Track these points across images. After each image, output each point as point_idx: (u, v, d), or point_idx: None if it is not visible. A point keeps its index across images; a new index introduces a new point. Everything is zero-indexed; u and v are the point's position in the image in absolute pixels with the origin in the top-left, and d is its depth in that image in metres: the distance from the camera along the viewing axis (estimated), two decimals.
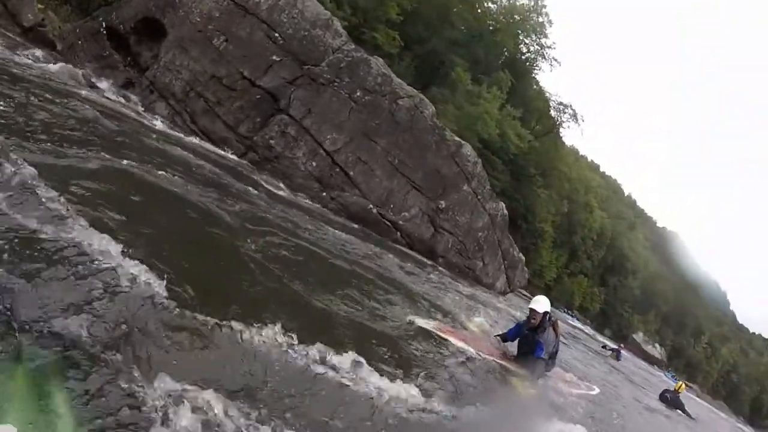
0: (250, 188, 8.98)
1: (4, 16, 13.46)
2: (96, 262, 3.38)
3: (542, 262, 45.70)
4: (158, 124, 11.07)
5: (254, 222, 6.62)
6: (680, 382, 19.12)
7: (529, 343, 6.59)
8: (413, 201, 12.83)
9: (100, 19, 14.02)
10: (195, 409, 2.69)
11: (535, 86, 35.20)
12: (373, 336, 5.04)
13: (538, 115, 34.65)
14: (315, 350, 3.91)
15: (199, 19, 13.15)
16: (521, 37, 32.66)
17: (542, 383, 6.77)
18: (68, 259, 3.28)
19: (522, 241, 40.48)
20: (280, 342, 3.75)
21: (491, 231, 14.95)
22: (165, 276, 3.57)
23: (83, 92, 9.85)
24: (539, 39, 32.83)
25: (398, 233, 12.55)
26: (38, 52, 11.94)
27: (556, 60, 33.45)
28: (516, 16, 31.49)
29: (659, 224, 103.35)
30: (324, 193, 11.77)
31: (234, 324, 3.58)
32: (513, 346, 7.10)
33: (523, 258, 18.05)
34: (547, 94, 35.26)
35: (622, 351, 24.82)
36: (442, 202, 13.26)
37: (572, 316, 49.94)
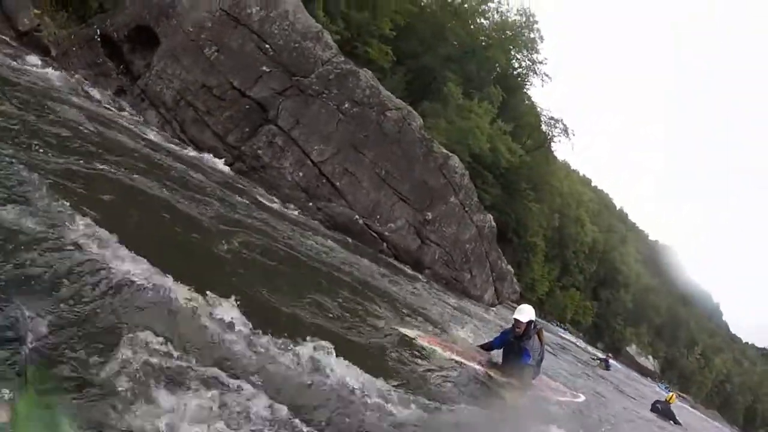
0: (236, 196, 8.92)
1: (0, 19, 13.46)
2: (102, 272, 3.39)
3: (534, 276, 45.62)
4: (147, 131, 10.99)
5: (233, 226, 6.57)
6: (671, 393, 18.99)
7: (515, 351, 6.58)
8: (400, 212, 12.78)
9: (95, 26, 14.07)
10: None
11: (526, 101, 35.37)
12: (353, 344, 4.97)
13: (529, 129, 34.79)
14: (291, 355, 3.86)
15: (191, 29, 13.18)
16: (513, 53, 32.84)
17: (528, 389, 6.71)
18: (73, 270, 3.28)
19: (513, 255, 40.47)
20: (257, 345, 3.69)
21: (479, 243, 14.89)
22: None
23: (75, 99, 9.86)
24: (531, 55, 33.08)
25: (384, 244, 12.48)
26: (33, 58, 11.96)
27: (547, 75, 33.82)
28: (508, 32, 31.66)
29: (651, 237, 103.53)
30: (310, 204, 11.70)
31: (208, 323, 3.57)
32: (498, 355, 7.05)
33: (512, 270, 17.99)
34: (539, 109, 35.48)
35: (611, 360, 24.62)
36: (429, 213, 13.21)
37: (564, 329, 49.74)
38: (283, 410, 3.08)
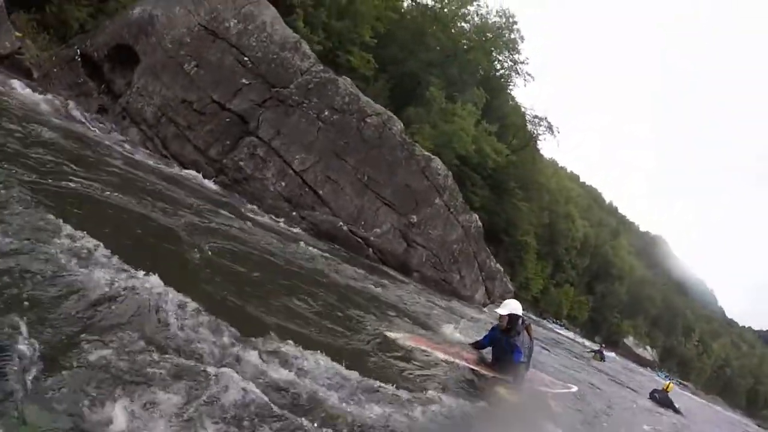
0: (218, 209, 8.86)
1: None
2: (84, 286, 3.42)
3: (528, 275, 45.56)
4: (128, 148, 10.94)
5: (210, 236, 6.50)
6: (668, 382, 18.95)
7: (503, 347, 6.54)
8: (384, 217, 12.73)
9: (75, 47, 14.05)
10: None
11: (510, 101, 35.47)
12: (335, 347, 4.91)
13: (514, 129, 34.87)
14: (280, 361, 3.85)
15: (170, 45, 13.16)
16: (495, 54, 32.92)
17: (520, 384, 6.60)
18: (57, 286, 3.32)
19: (506, 254, 40.46)
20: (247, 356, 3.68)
21: (466, 243, 14.85)
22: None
23: (57, 120, 9.86)
24: (512, 55, 33.16)
25: (370, 249, 12.42)
26: (14, 81, 11.93)
27: (529, 75, 33.83)
28: (488, 34, 31.73)
29: (642, 229, 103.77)
30: (294, 213, 11.64)
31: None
32: (489, 353, 7.02)
33: (501, 269, 17.94)
34: (523, 108, 35.54)
35: (605, 351, 24.52)
36: (414, 216, 13.16)
37: (561, 325, 49.68)
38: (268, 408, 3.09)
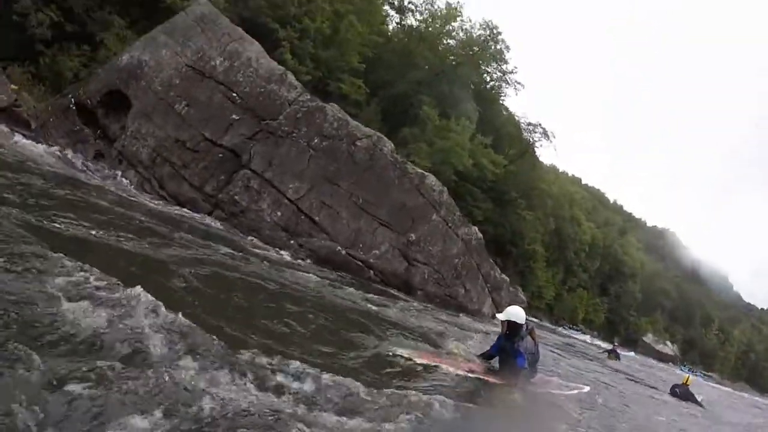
0: (212, 242, 8.82)
1: None
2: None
3: (539, 283, 45.05)
4: (124, 190, 10.99)
5: (218, 269, 6.45)
6: (687, 375, 18.43)
7: (508, 353, 6.51)
8: (382, 237, 12.64)
9: (69, 95, 14.39)
10: None
11: (504, 112, 35.46)
12: (341, 366, 4.89)
13: (509, 139, 34.79)
14: (293, 379, 3.94)
15: (160, 88, 13.33)
16: (483, 67, 33.03)
17: (527, 389, 6.53)
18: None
19: (515, 265, 40.11)
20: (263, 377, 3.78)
21: (468, 256, 14.68)
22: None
23: (56, 168, 10.02)
24: (500, 66, 33.26)
25: (371, 271, 12.31)
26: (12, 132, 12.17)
27: (519, 83, 33.90)
28: (475, 48, 31.88)
29: (649, 224, 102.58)
30: (292, 241, 11.60)
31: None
32: (497, 362, 6.95)
33: (507, 279, 17.70)
34: (516, 117, 35.48)
35: (619, 350, 23.95)
36: (412, 234, 13.06)
37: (578, 330, 48.87)
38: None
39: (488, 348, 7.22)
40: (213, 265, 7.05)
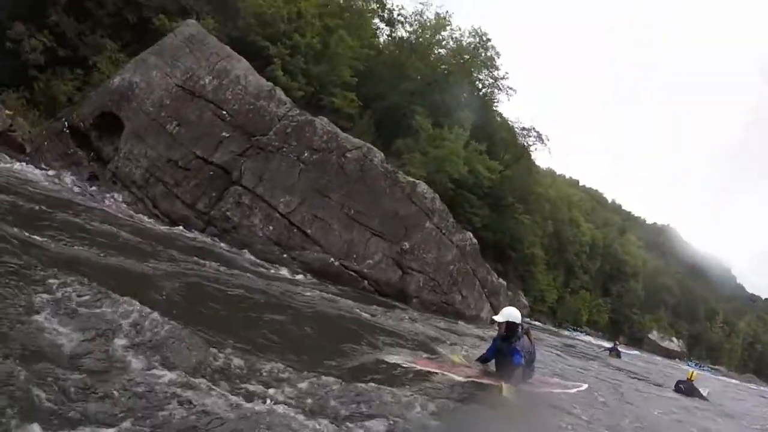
0: (208, 260, 8.73)
1: None
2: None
3: (541, 287, 44.71)
4: (116, 210, 10.94)
5: (208, 284, 6.38)
6: (692, 371, 18.13)
7: (504, 354, 6.47)
8: (375, 247, 12.54)
9: (63, 119, 14.48)
10: None
11: (497, 118, 35.41)
12: (341, 375, 4.83)
13: (505, 144, 34.68)
14: (289, 392, 3.93)
15: (151, 109, 13.34)
16: (475, 74, 33.02)
17: (524, 389, 6.44)
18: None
19: (515, 270, 39.85)
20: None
21: (463, 262, 14.56)
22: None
23: (51, 192, 10.04)
24: (492, 72, 33.23)
25: (365, 281, 12.20)
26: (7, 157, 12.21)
27: (511, 89, 33.82)
28: (465, 56, 31.90)
29: (648, 221, 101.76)
30: (285, 255, 11.52)
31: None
32: (494, 365, 6.90)
33: (505, 283, 17.59)
34: (510, 122, 35.39)
35: (620, 348, 23.60)
36: (406, 243, 12.95)
37: (581, 332, 48.38)
38: None
39: (484, 352, 7.17)
40: (198, 279, 6.99)
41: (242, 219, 11.76)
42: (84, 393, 3.01)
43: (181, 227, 11.58)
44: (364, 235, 12.44)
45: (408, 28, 32.50)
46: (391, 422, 4.05)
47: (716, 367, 63.43)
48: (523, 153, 34.89)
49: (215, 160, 12.51)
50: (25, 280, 4.28)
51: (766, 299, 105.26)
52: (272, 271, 10.53)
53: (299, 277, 11.06)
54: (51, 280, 4.45)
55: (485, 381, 6.33)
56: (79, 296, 4.32)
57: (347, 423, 3.81)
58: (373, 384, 4.83)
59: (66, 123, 14.14)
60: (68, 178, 12.84)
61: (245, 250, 11.25)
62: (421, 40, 31.74)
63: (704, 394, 14.48)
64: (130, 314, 4.29)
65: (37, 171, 12.34)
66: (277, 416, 3.52)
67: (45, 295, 4.15)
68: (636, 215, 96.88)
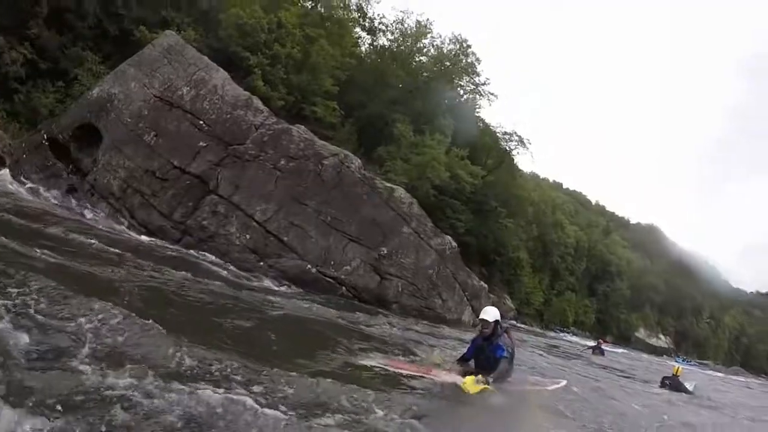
0: (176, 269, 8.61)
1: None
2: None
3: (527, 290, 44.83)
4: (92, 221, 10.79)
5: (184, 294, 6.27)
6: (677, 366, 18.16)
7: (486, 352, 6.45)
8: (353, 253, 12.45)
9: (42, 131, 14.38)
10: None
11: (479, 123, 35.49)
12: (316, 380, 4.71)
13: (487, 149, 34.74)
14: (253, 391, 3.89)
15: (130, 119, 13.26)
16: (456, 81, 33.11)
17: (503, 387, 6.33)
18: None
19: (501, 274, 39.92)
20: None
21: (442, 266, 14.51)
22: None
23: (28, 204, 9.87)
24: (472, 78, 33.33)
25: (343, 288, 12.10)
26: None
27: (493, 94, 33.92)
28: (446, 63, 32.00)
29: (633, 221, 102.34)
30: (261, 263, 11.42)
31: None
32: (473, 365, 6.80)
33: (486, 286, 17.55)
34: (492, 127, 35.47)
35: (604, 346, 23.59)
36: (384, 248, 12.88)
37: (568, 332, 48.43)
38: None
39: (464, 352, 7.07)
40: (165, 286, 6.92)
41: (218, 228, 11.66)
42: (39, 395, 3.01)
43: (157, 238, 11.45)
44: (341, 242, 12.37)
45: (389, 36, 32.59)
46: (355, 423, 3.98)
47: (703, 361, 63.78)
48: (506, 157, 34.94)
49: (192, 170, 12.41)
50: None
51: (750, 293, 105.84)
52: (246, 280, 10.37)
53: (274, 284, 10.97)
54: (11, 289, 4.43)
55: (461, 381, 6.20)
56: (37, 302, 4.31)
57: (308, 422, 3.74)
58: (342, 385, 4.75)
59: (45, 135, 14.03)
60: (47, 191, 12.72)
61: (221, 259, 11.14)
62: (402, 48, 31.81)
63: (690, 389, 14.52)
64: (90, 319, 4.27)
65: (15, 183, 12.23)
66: (237, 414, 3.50)
67: (4, 301, 4.12)
68: (620, 216, 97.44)
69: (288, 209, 12.06)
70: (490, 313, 6.57)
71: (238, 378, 4.15)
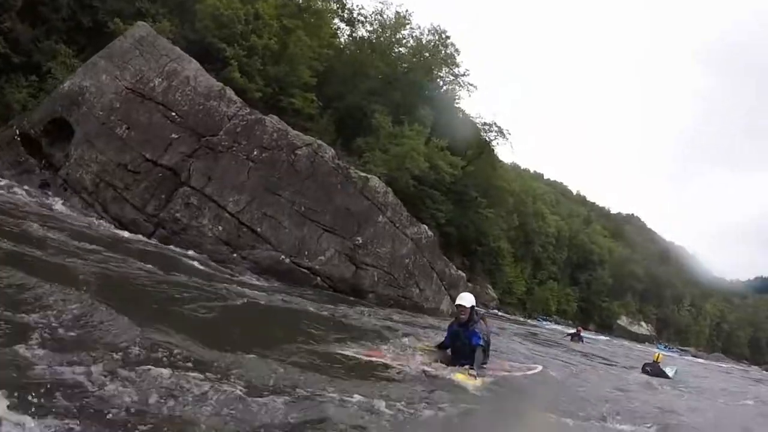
0: (148, 262, 8.53)
1: None
2: None
3: (509, 279, 45.26)
4: (60, 214, 10.63)
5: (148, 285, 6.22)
6: (657, 353, 18.53)
7: (462, 338, 6.49)
8: (327, 243, 12.44)
9: (14, 127, 14.08)
10: None
11: (460, 114, 35.56)
12: (288, 371, 4.71)
13: (467, 139, 34.72)
14: (223, 380, 3.86)
15: (102, 113, 13.09)
16: (435, 71, 33.10)
17: (480, 373, 6.36)
18: None
19: (482, 264, 40.23)
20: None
21: (419, 255, 14.58)
22: None
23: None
24: (452, 69, 33.36)
25: (317, 278, 12.10)
26: None
27: (472, 85, 33.98)
28: (426, 54, 31.96)
29: (613, 211, 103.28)
30: (234, 255, 11.37)
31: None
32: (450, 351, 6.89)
33: (464, 275, 17.70)
34: (472, 118, 35.55)
35: (583, 333, 23.91)
36: (359, 238, 12.89)
37: (550, 321, 48.89)
38: None
39: (443, 339, 7.14)
40: (135, 279, 6.90)
41: (191, 220, 11.56)
42: None
43: (130, 231, 11.33)
44: (315, 232, 12.35)
45: (368, 27, 32.47)
46: (324, 413, 3.93)
47: (685, 348, 64.79)
48: (485, 148, 35.07)
49: (164, 162, 12.28)
50: None
51: (730, 281, 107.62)
52: (219, 272, 10.33)
53: (250, 276, 10.92)
54: None
55: (434, 368, 6.29)
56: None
57: (276, 412, 3.70)
58: (313, 375, 4.77)
59: (17, 131, 13.80)
60: (20, 187, 12.51)
61: (194, 251, 11.05)
62: (381, 39, 31.71)
63: (670, 374, 14.82)
64: (50, 308, 4.29)
65: None
66: (205, 404, 3.50)
67: None
68: (601, 206, 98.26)
69: (261, 200, 12.00)
70: (467, 299, 6.64)
71: (203, 367, 4.11)
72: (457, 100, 35.44)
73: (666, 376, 14.38)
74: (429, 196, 28.59)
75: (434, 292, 15.30)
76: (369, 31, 32.38)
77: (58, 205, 12.05)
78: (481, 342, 6.36)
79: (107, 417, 3.03)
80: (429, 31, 32.23)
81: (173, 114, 12.95)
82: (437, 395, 5.27)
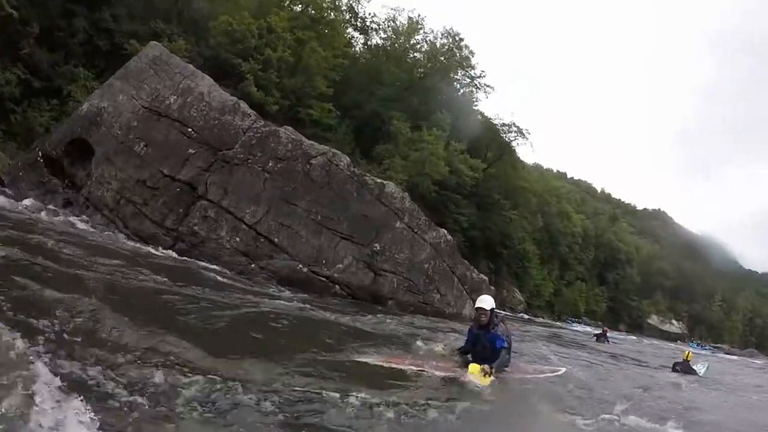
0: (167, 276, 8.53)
1: None
2: None
3: (536, 281, 44.51)
4: (84, 231, 10.76)
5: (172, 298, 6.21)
6: (687, 351, 17.91)
7: (483, 341, 6.41)
8: (345, 251, 12.33)
9: (37, 149, 14.42)
10: None
11: (478, 116, 35.21)
12: (312, 379, 4.71)
13: (486, 141, 34.46)
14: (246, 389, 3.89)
15: (120, 132, 13.25)
16: (451, 75, 32.89)
17: (501, 376, 6.29)
18: None
19: (509, 267, 39.65)
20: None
21: (439, 260, 14.33)
22: None
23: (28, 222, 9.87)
24: (468, 72, 33.10)
25: (336, 286, 11.98)
26: None
27: (489, 86, 33.72)
28: (441, 58, 31.81)
29: (639, 207, 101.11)
30: (253, 265, 11.35)
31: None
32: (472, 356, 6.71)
33: (486, 278, 17.30)
34: (491, 119, 35.14)
35: (609, 333, 23.30)
36: (377, 244, 12.74)
37: (579, 322, 47.76)
38: None
39: (463, 344, 7.03)
40: (155, 291, 6.89)
41: (209, 233, 11.60)
42: None
43: (150, 245, 11.41)
44: (333, 240, 12.25)
45: (382, 34, 32.53)
46: (353, 419, 3.95)
47: (718, 345, 62.91)
48: (506, 149, 34.65)
49: (182, 177, 12.37)
50: None
51: (763, 273, 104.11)
52: (234, 281, 10.29)
53: (263, 285, 10.86)
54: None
55: (453, 371, 6.17)
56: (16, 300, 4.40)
57: (300, 422, 3.70)
58: (336, 383, 4.72)
59: (40, 152, 14.10)
60: (44, 206, 12.76)
61: (213, 264, 11.06)
62: (395, 45, 31.69)
63: (701, 372, 14.31)
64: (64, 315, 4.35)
65: (13, 201, 12.29)
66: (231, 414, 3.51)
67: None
68: (626, 202, 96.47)
69: (277, 210, 11.97)
70: (486, 302, 6.55)
71: (226, 376, 4.12)
72: (475, 102, 35.15)
73: (696, 374, 13.88)
74: (451, 200, 28.35)
75: (455, 297, 15.01)
76: (383, 39, 32.52)
77: (81, 222, 12.22)
78: (505, 344, 6.29)
79: (108, 417, 3.02)
80: (442, 34, 32.18)
81: (189, 130, 13.04)
82: (453, 398, 5.19)
